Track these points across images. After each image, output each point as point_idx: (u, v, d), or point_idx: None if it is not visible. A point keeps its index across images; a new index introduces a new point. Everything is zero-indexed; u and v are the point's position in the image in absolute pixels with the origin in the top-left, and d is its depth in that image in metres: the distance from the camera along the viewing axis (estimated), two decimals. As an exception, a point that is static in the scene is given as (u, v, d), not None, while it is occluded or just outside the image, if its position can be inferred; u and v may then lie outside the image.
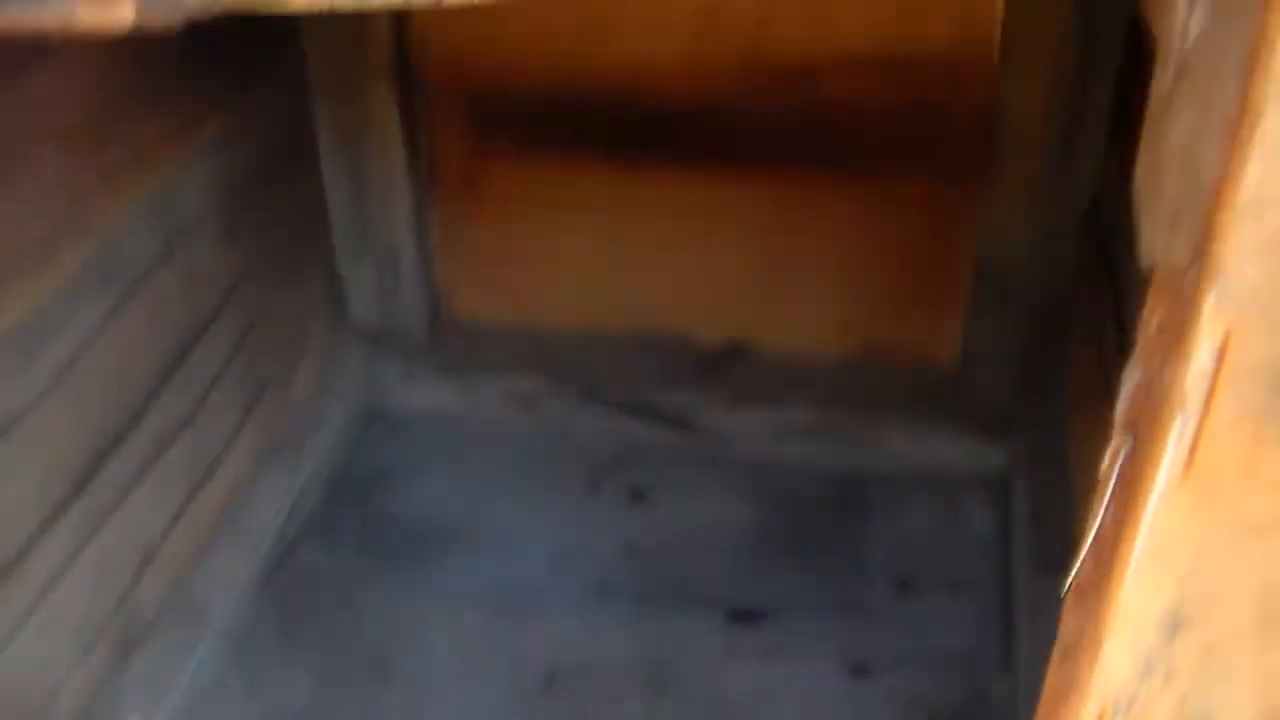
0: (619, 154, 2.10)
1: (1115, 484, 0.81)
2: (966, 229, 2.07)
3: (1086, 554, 0.83)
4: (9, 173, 1.48)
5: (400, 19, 2.06)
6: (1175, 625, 0.79)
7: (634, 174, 2.13)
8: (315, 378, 2.24)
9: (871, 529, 2.14)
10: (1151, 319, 0.83)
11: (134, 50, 1.63)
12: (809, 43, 1.94)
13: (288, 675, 1.89)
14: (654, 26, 1.97)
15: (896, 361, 2.23)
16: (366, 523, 2.16)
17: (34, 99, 1.51)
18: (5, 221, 1.48)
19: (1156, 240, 0.77)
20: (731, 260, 2.19)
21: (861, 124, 2.00)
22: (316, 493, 2.18)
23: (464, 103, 2.15)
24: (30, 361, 1.49)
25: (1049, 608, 0.92)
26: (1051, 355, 2.08)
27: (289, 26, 2.04)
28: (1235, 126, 0.68)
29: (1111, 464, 0.81)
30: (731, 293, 2.22)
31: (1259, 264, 0.72)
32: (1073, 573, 0.84)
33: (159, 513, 1.81)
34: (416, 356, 2.35)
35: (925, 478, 2.20)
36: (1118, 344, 1.65)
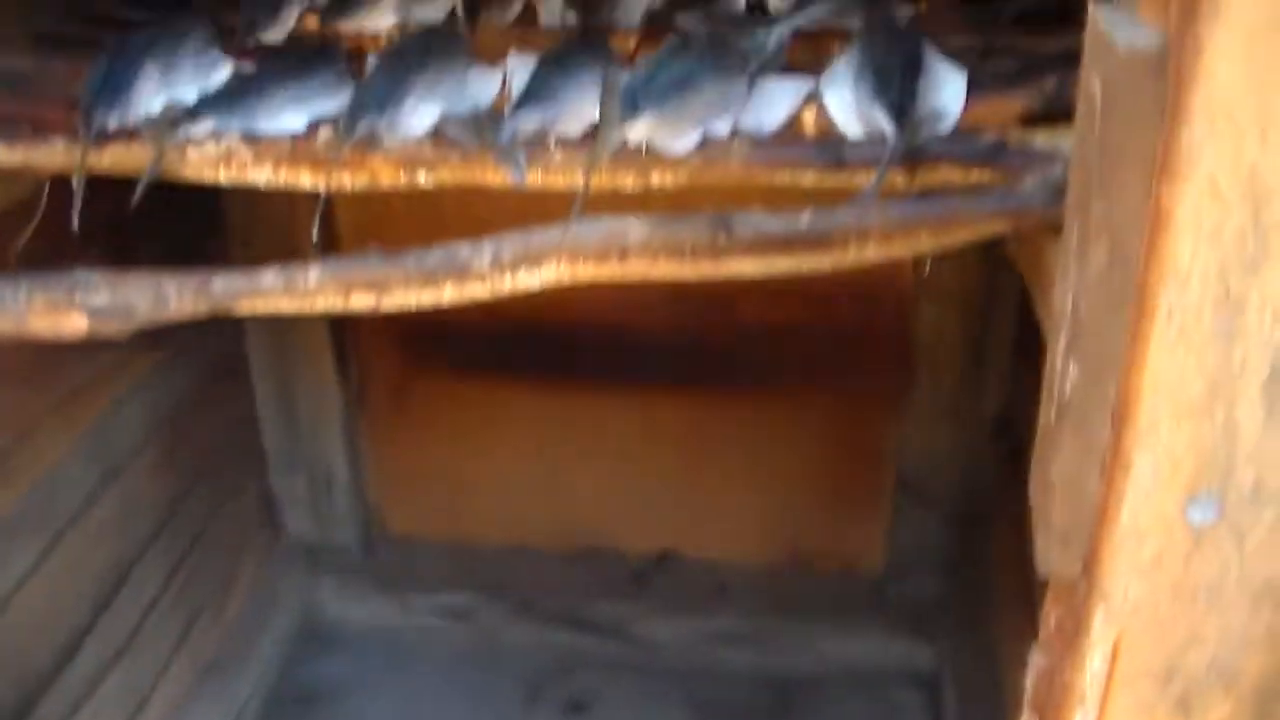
0: (546, 373, 2.16)
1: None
2: (886, 440, 2.14)
3: None
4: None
5: (329, 247, 2.10)
6: None
7: (561, 392, 2.18)
8: (251, 596, 2.25)
9: (805, 732, 2.18)
10: (1050, 616, 0.89)
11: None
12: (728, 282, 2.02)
13: None
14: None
15: (823, 567, 2.28)
16: (304, 743, 2.16)
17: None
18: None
19: (1050, 554, 0.83)
20: (658, 473, 2.25)
21: (780, 345, 2.07)
22: (253, 712, 2.18)
23: (394, 325, 2.20)
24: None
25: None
26: (976, 555, 2.13)
27: (220, 255, 2.09)
28: (1111, 467, 0.74)
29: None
30: (659, 504, 2.27)
31: (1141, 583, 0.77)
32: None
33: (92, 750, 1.81)
34: (351, 572, 2.37)
35: (856, 679, 2.24)
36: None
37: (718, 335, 2.09)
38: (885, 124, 0.99)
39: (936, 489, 2.14)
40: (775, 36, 1.21)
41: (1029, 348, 1.73)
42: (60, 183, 1.22)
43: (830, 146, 1.03)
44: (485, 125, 1.09)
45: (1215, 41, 0.62)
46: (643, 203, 1.10)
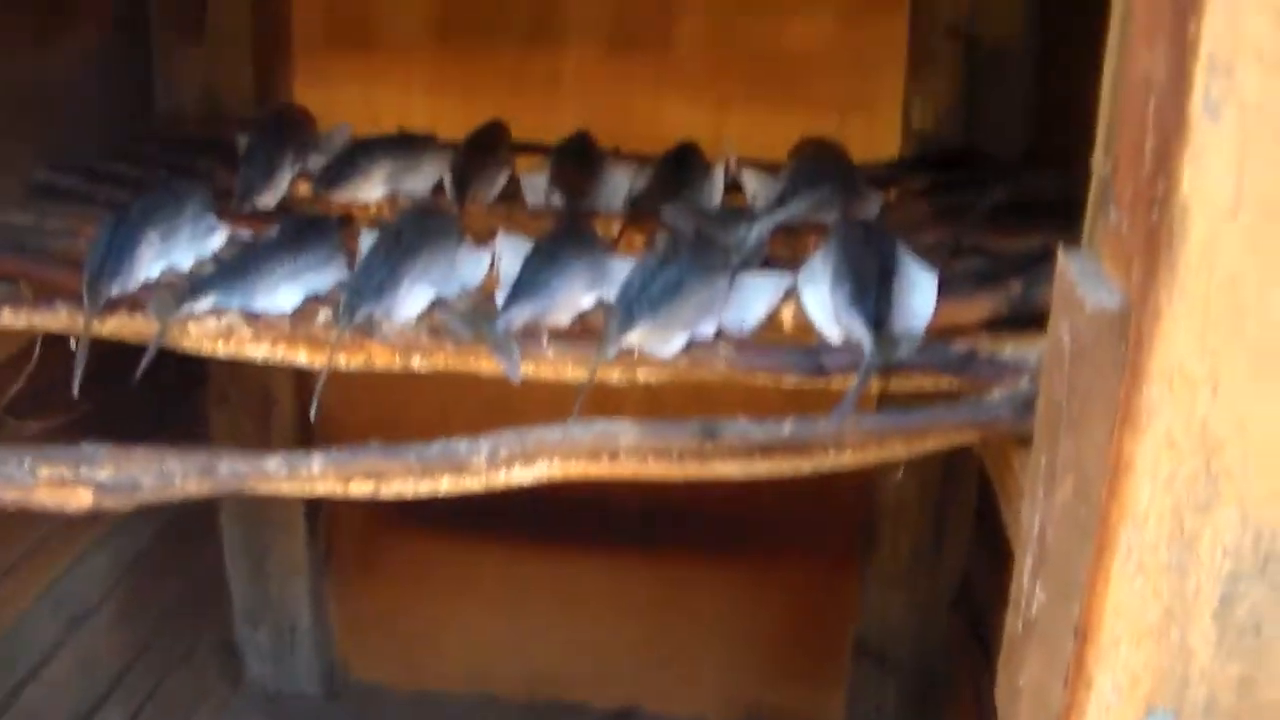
0: (515, 532, 2.19)
1: None
2: (846, 605, 2.18)
3: None
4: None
5: (302, 386, 2.13)
6: None
7: (529, 550, 2.22)
8: (209, 744, 2.26)
9: None
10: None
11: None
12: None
13: None
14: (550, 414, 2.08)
15: (782, 728, 2.30)
16: None
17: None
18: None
19: (1015, 757, 0.87)
20: (623, 630, 2.27)
21: (745, 509, 2.11)
22: None
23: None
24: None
25: None
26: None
27: (193, 401, 2.12)
28: (1074, 680, 0.79)
29: None
30: (623, 661, 2.29)
31: (1104, 792, 0.81)
32: None
33: None
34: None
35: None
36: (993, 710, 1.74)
37: (685, 498, 2.13)
38: (863, 337, 1.05)
39: (895, 654, 2.17)
40: (756, 233, 1.27)
41: (989, 516, 1.78)
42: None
43: (810, 354, 1.08)
44: (480, 319, 1.14)
45: (1173, 310, 0.68)
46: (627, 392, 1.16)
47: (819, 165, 1.45)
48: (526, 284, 1.17)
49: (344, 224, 1.50)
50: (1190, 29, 0.64)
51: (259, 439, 2.11)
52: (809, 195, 1.34)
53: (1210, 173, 0.65)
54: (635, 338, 1.08)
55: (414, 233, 1.30)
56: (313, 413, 1.16)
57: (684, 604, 2.25)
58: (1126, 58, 0.74)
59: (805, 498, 2.06)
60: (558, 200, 1.47)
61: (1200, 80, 0.64)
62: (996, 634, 1.61)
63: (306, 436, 2.17)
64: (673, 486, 1.98)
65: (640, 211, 1.42)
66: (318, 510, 2.26)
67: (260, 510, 2.24)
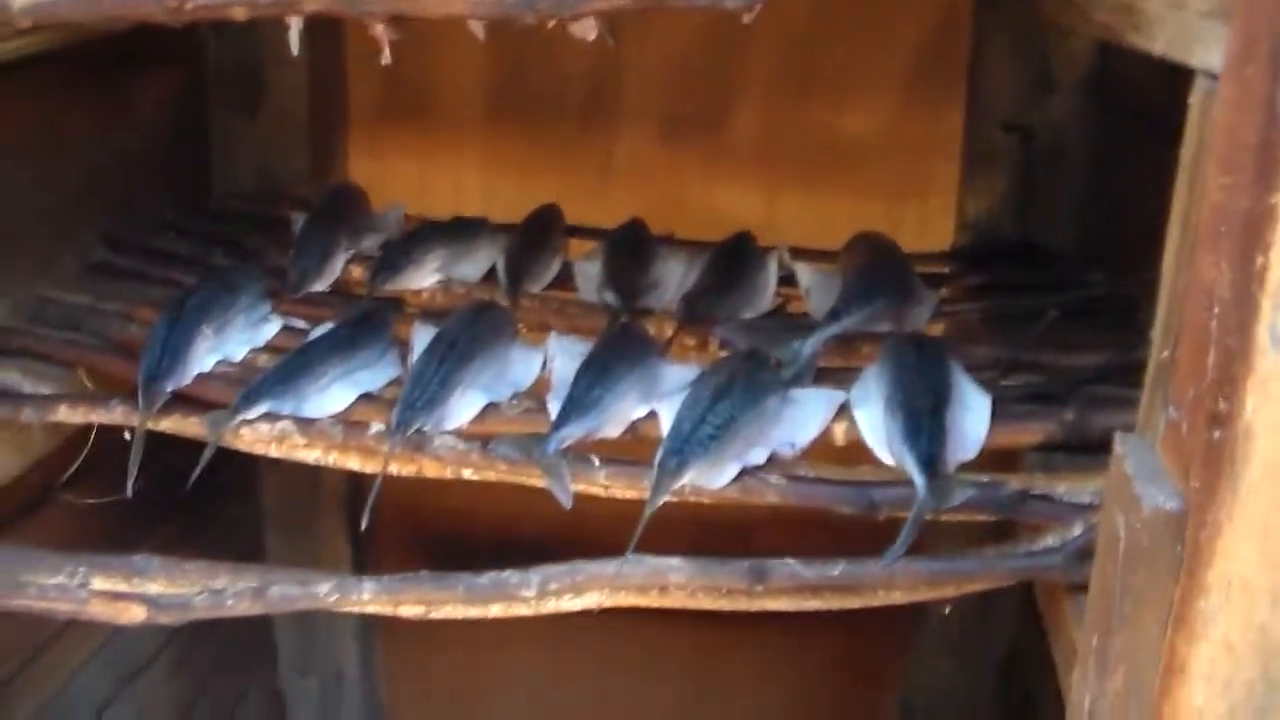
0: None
1: None
2: (890, 671, 2.17)
3: None
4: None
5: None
6: None
7: (573, 617, 2.21)
8: (256, 796, 2.27)
9: None
10: None
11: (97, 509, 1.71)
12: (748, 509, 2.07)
13: None
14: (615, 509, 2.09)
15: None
16: None
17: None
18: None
19: None
20: (659, 692, 2.27)
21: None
22: None
23: (414, 539, 2.25)
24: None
25: None
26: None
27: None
28: None
29: None
30: (667, 722, 2.30)
31: None
32: None
33: None
34: (356, 773, 2.39)
35: None
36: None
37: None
38: (916, 479, 1.05)
39: (941, 721, 2.16)
40: (810, 347, 1.27)
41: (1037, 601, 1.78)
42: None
43: (862, 489, 1.08)
44: (530, 443, 1.14)
45: (1234, 526, 0.68)
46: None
47: (874, 272, 1.44)
48: (578, 402, 1.18)
49: (397, 309, 1.52)
50: (1258, 261, 0.64)
51: (308, 507, 2.12)
52: (863, 307, 1.34)
53: (1275, 400, 0.65)
54: (687, 479, 1.08)
55: (466, 336, 1.30)
56: (364, 521, 1.16)
57: (723, 666, 2.24)
58: (1190, 259, 0.74)
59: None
60: (611, 298, 1.46)
61: (1268, 312, 0.64)
62: (1044, 700, 1.60)
63: (356, 508, 2.19)
64: (724, 552, 1.99)
65: (693, 314, 1.42)
66: (364, 563, 2.26)
67: (309, 562, 2.25)
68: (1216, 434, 0.67)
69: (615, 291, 1.47)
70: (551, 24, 0.95)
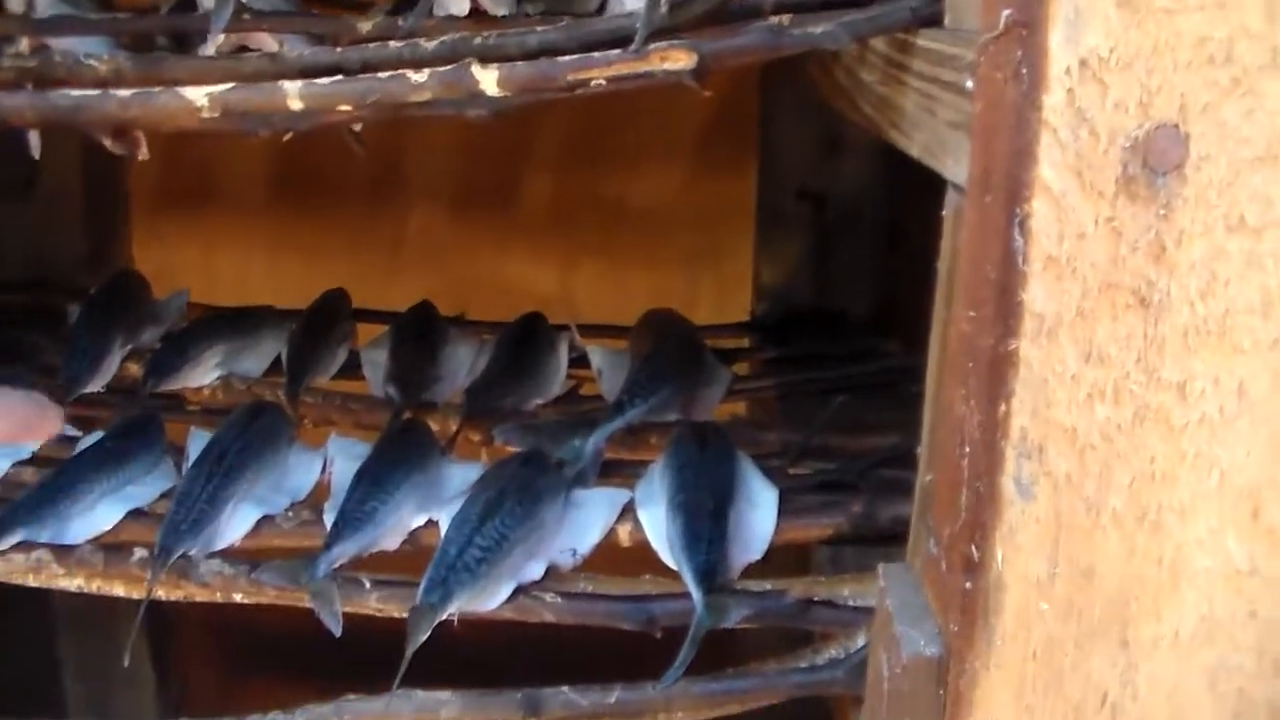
0: (382, 680, 2.12)
1: None
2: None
3: None
4: None
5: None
6: None
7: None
8: None
9: None
10: None
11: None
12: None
13: None
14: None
15: None
16: None
17: None
18: None
19: None
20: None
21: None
22: None
23: (217, 634, 2.17)
24: None
25: None
26: None
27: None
28: None
29: None
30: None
31: None
32: None
33: None
34: None
35: None
36: None
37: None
38: (694, 592, 1.02)
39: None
40: (593, 444, 1.23)
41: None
42: None
43: (641, 604, 1.05)
44: (298, 568, 1.09)
45: (990, 673, 0.65)
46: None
47: (660, 357, 1.40)
48: (350, 517, 1.13)
49: (177, 408, 1.46)
50: (1001, 408, 0.62)
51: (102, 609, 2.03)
52: (648, 398, 1.30)
53: (1024, 552, 0.62)
54: (453, 608, 1.03)
55: (239, 445, 1.24)
56: (125, 658, 1.10)
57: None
58: (942, 388, 0.72)
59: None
60: (393, 392, 1.41)
61: (1011, 462, 0.62)
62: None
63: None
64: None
65: (477, 409, 1.38)
66: (168, 664, 2.18)
67: (107, 667, 2.16)
68: (968, 583, 0.65)
69: (397, 385, 1.42)
70: (287, 137, 0.90)
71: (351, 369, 1.57)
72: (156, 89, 0.83)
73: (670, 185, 1.86)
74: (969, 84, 0.70)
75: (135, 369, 1.54)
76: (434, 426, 1.38)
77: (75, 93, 0.84)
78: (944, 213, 0.80)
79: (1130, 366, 0.62)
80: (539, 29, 0.93)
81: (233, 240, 1.91)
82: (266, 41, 1.08)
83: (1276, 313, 0.62)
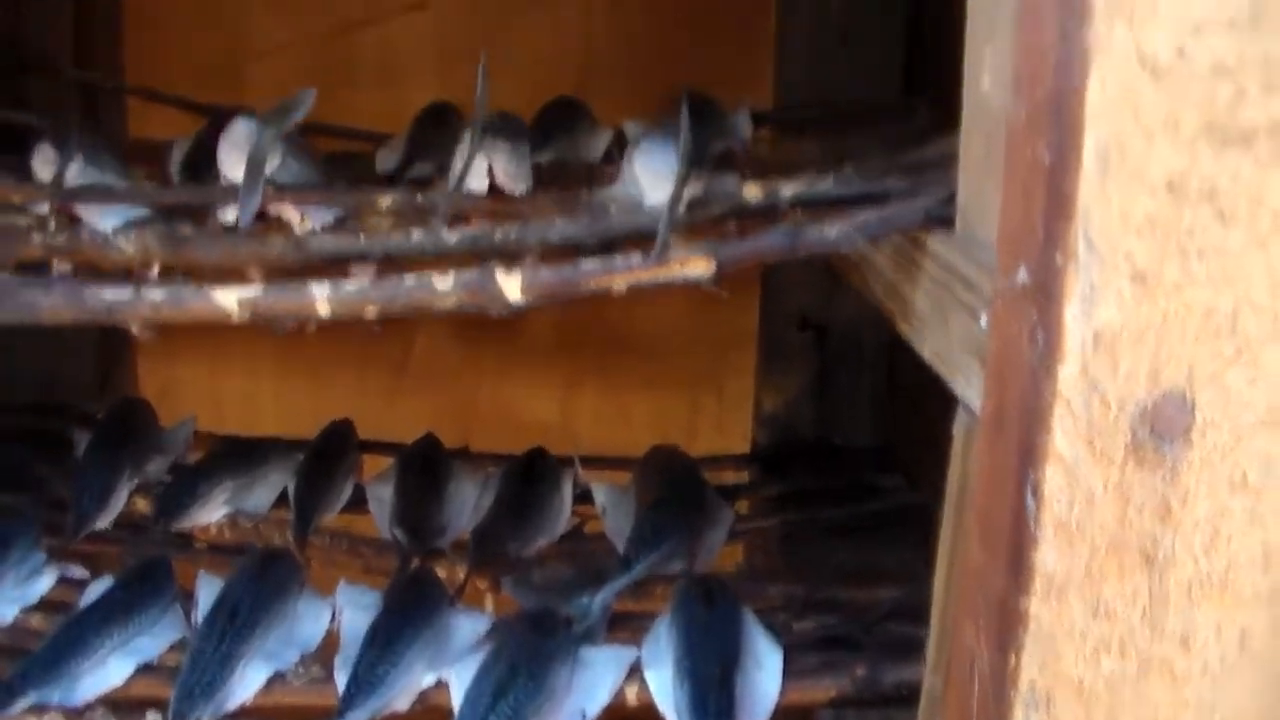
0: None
1: None
2: None
3: None
4: None
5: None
6: None
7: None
8: None
9: None
10: None
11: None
12: None
13: None
14: None
15: None
16: None
17: None
18: None
19: None
20: None
21: None
22: None
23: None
24: None
25: None
26: None
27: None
28: None
29: None
30: None
31: None
32: None
33: None
34: None
35: None
36: None
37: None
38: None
39: None
40: (599, 604, 1.25)
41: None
42: None
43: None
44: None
45: None
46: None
47: (665, 506, 1.42)
48: (362, 683, 1.14)
49: (186, 545, 1.48)
50: (1011, 660, 0.63)
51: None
52: (653, 551, 1.32)
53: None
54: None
55: (250, 599, 1.25)
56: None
57: None
58: (950, 610, 0.74)
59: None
60: (402, 537, 1.43)
61: (1019, 713, 0.63)
62: None
63: None
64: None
65: (484, 555, 1.39)
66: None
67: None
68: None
69: (406, 530, 1.44)
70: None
71: (357, 503, 1.58)
72: (188, 290, 0.85)
73: (673, 312, 1.88)
74: (983, 320, 0.73)
75: (142, 504, 1.55)
76: (441, 573, 1.40)
77: (109, 294, 0.86)
78: (954, 429, 0.81)
79: (1135, 622, 0.64)
80: (559, 222, 0.96)
81: (240, 364, 1.93)
82: (288, 210, 1.09)
83: (1276, 565, 0.64)
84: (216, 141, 1.23)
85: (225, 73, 1.84)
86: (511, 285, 0.86)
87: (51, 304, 0.89)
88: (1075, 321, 0.61)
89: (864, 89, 1.67)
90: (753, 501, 1.62)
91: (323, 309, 0.87)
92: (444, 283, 0.86)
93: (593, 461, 1.62)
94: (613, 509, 1.53)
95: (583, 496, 1.58)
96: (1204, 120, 0.59)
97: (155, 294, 0.88)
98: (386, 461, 1.63)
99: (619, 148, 1.44)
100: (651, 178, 1.03)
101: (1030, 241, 0.64)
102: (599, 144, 1.46)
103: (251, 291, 0.87)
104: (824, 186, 0.97)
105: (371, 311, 0.88)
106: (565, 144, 1.42)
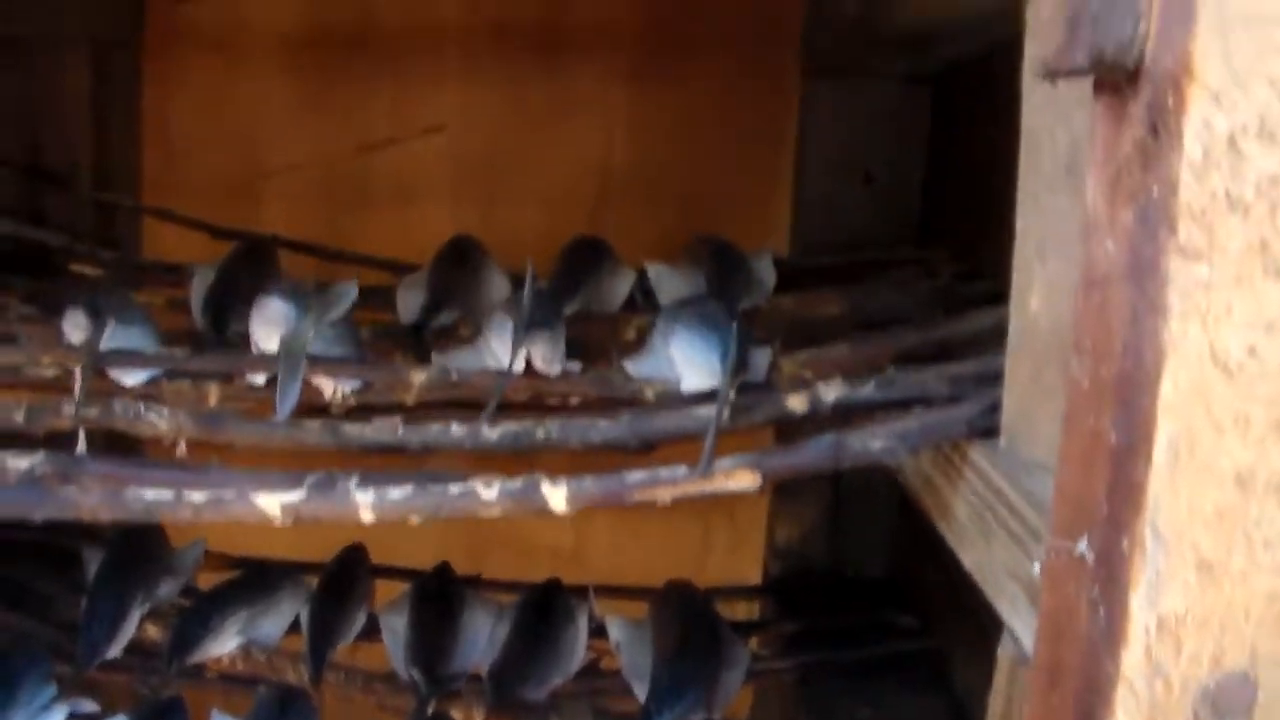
0: None
1: None
2: None
3: None
4: None
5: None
6: None
7: None
8: None
9: None
10: None
11: None
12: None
13: None
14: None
15: None
16: None
17: None
18: None
19: None
20: None
21: None
22: None
23: None
24: None
25: None
26: None
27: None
28: None
29: None
30: None
31: None
32: None
33: None
34: None
35: None
36: None
37: None
38: None
39: None
40: None
41: None
42: None
43: None
44: None
45: None
46: None
47: (682, 656, 1.42)
48: None
49: (192, 673, 1.47)
50: None
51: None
52: (674, 706, 1.32)
53: None
54: None
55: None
56: None
57: None
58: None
59: None
60: (417, 676, 1.43)
61: None
62: None
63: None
64: None
65: (500, 700, 1.40)
66: None
67: None
68: None
69: (421, 671, 1.43)
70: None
71: (371, 631, 1.58)
72: (229, 493, 0.85)
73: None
74: (1035, 567, 0.73)
75: (153, 629, 1.55)
76: (457, 715, 1.40)
77: (150, 495, 0.86)
78: (999, 651, 0.82)
79: None
80: (601, 424, 0.96)
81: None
82: (322, 380, 1.10)
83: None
84: (239, 272, 1.25)
85: (241, 190, 1.85)
86: (557, 496, 0.86)
87: (91, 505, 0.88)
88: (1140, 610, 0.62)
89: (882, 229, 1.68)
90: (765, 638, 1.62)
91: (366, 515, 0.87)
92: (489, 492, 0.87)
93: (606, 590, 1.61)
94: (628, 646, 1.52)
95: (598, 630, 1.57)
96: (1273, 416, 0.60)
97: (196, 496, 0.87)
98: (400, 585, 1.63)
99: (641, 292, 1.45)
100: (689, 367, 1.04)
101: (1093, 516, 0.64)
102: (623, 288, 1.46)
103: (294, 496, 0.87)
104: (866, 391, 0.97)
105: (415, 520, 0.87)
106: (591, 290, 1.42)
